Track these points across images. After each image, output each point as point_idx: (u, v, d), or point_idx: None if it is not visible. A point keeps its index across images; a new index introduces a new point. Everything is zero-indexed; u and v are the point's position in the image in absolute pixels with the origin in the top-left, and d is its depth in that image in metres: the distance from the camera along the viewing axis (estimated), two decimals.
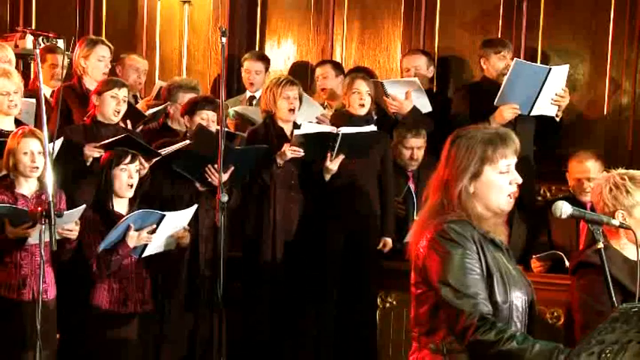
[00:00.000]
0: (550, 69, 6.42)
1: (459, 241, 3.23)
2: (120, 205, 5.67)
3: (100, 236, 5.47)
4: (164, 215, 5.52)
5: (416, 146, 6.65)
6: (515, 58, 6.65)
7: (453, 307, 3.19)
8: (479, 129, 3.39)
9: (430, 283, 3.27)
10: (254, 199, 6.45)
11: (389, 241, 6.49)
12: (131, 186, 5.66)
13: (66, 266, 5.55)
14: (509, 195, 3.33)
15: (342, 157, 6.31)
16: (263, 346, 6.42)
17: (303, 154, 6.29)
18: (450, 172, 3.34)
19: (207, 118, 6.26)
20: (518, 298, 3.30)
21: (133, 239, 5.46)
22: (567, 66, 6.57)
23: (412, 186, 6.70)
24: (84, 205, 5.38)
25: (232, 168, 6.03)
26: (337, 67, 7.59)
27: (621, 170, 3.79)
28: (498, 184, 3.32)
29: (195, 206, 5.80)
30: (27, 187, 5.46)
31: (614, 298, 3.24)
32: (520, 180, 3.36)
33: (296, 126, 6.48)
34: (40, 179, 5.39)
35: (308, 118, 6.74)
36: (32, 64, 7.33)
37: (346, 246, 6.42)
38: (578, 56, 7.09)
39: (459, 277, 3.20)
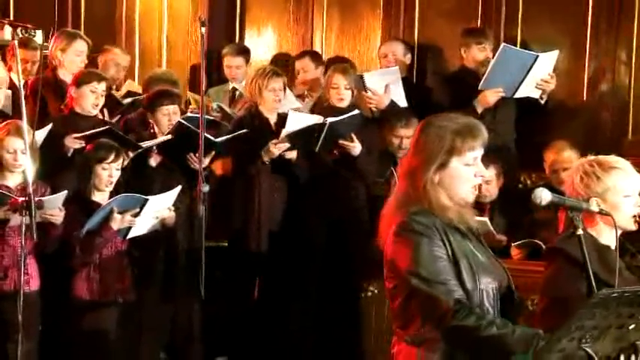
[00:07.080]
0: (537, 56, 6.43)
1: (422, 231, 3.22)
2: (100, 197, 5.64)
3: (81, 226, 5.45)
4: (147, 199, 5.51)
5: (405, 136, 6.54)
6: (503, 43, 6.66)
7: (426, 296, 3.18)
8: (450, 118, 3.36)
9: (400, 276, 3.26)
10: (239, 189, 6.45)
11: None
12: (111, 183, 5.63)
13: (49, 258, 5.52)
14: (473, 187, 3.33)
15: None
16: (246, 336, 6.44)
17: (289, 146, 6.29)
18: (417, 161, 3.32)
19: (168, 112, 6.23)
20: (488, 284, 3.29)
21: (116, 222, 5.45)
22: (557, 52, 6.59)
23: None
24: (65, 191, 5.36)
25: (213, 153, 6.09)
26: (316, 58, 7.52)
27: (590, 157, 3.76)
28: (464, 175, 3.30)
29: (179, 187, 5.78)
30: (12, 180, 5.43)
31: (593, 285, 3.24)
32: (486, 173, 3.39)
33: (280, 115, 6.46)
34: (24, 172, 5.37)
35: (284, 109, 6.68)
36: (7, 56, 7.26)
37: (329, 236, 6.42)
38: (557, 44, 7.09)
39: (427, 266, 3.19)
